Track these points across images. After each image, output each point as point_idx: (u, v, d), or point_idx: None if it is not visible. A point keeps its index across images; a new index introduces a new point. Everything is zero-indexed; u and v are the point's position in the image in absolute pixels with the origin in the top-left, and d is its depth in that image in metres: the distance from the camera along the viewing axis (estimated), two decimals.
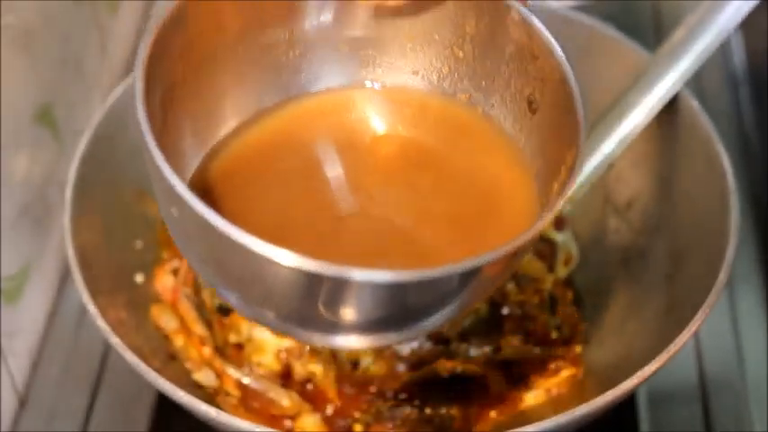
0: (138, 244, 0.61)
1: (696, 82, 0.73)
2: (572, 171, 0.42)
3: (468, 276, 0.40)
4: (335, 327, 0.42)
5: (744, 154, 0.73)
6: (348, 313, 0.41)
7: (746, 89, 0.78)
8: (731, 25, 0.57)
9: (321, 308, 0.40)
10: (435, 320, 0.43)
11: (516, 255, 0.41)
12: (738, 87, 0.78)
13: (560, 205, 0.41)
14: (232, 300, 0.44)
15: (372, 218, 0.45)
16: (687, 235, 0.58)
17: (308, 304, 0.40)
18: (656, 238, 0.61)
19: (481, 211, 0.46)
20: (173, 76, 0.43)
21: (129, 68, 0.78)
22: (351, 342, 0.46)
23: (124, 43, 0.79)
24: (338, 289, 0.39)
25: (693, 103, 0.59)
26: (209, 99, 0.46)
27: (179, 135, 0.44)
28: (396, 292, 0.39)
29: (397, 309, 0.40)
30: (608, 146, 0.57)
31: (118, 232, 0.60)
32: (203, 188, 0.45)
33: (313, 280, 0.38)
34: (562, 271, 0.63)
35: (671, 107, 0.59)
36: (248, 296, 0.43)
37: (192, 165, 0.46)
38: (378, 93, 0.49)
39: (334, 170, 0.47)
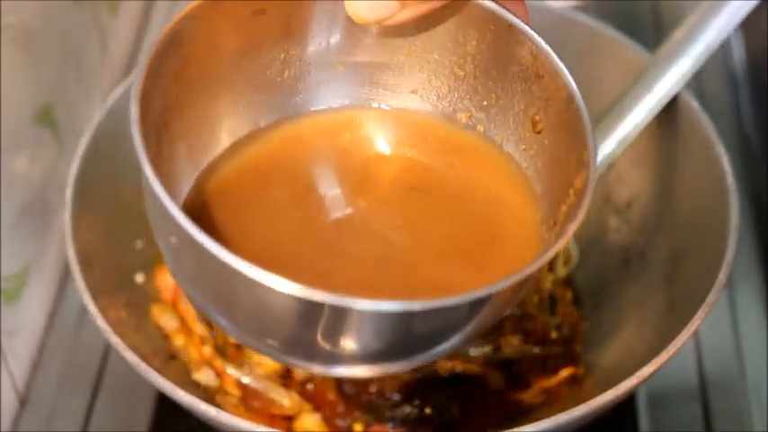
0: (138, 244, 0.61)
1: (696, 82, 0.73)
2: (582, 195, 0.40)
3: (475, 306, 0.39)
4: (337, 357, 0.41)
5: (744, 154, 0.73)
6: (351, 344, 0.40)
7: (746, 89, 0.78)
8: (731, 25, 0.57)
9: (321, 338, 0.39)
10: (440, 350, 0.42)
11: (525, 282, 0.40)
12: (738, 87, 0.78)
13: (572, 232, 0.40)
14: (227, 326, 0.43)
15: (370, 245, 0.44)
16: (687, 235, 0.58)
17: (309, 334, 0.39)
18: (656, 238, 0.61)
19: (483, 237, 0.45)
20: (167, 99, 0.42)
21: (129, 68, 0.78)
22: (354, 372, 0.45)
23: (124, 43, 0.79)
24: (341, 319, 0.38)
25: (693, 104, 0.59)
26: (203, 120, 0.45)
27: (173, 156, 0.44)
28: (401, 322, 0.38)
29: (400, 339, 0.40)
30: (608, 146, 0.57)
31: (118, 232, 0.60)
32: (198, 208, 0.44)
33: (314, 309, 0.37)
34: (562, 271, 0.63)
35: (671, 107, 0.58)
36: (246, 325, 0.42)
37: (186, 185, 0.45)
38: (375, 113, 0.48)
39: (329, 194, 0.46)
